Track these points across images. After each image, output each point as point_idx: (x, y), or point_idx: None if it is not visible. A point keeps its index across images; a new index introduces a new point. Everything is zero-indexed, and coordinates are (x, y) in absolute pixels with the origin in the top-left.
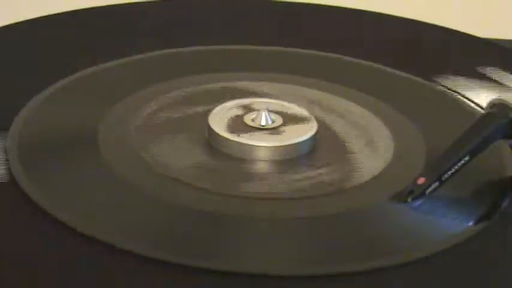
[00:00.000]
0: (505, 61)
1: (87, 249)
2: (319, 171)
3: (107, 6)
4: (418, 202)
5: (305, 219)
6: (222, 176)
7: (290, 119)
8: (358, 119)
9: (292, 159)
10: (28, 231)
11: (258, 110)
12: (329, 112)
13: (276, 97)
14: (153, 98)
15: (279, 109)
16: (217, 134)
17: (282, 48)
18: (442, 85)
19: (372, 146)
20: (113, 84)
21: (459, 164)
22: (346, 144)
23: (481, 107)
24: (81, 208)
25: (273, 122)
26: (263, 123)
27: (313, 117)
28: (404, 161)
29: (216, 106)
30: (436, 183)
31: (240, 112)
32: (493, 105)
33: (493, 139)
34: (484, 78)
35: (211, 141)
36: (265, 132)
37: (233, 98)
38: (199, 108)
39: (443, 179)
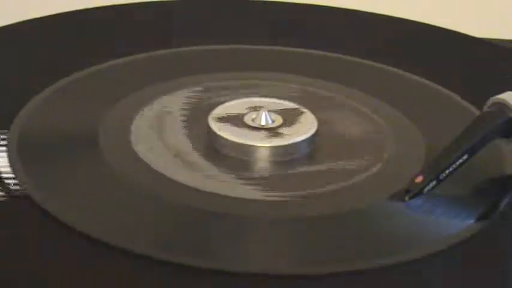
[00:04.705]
0: (504, 61)
1: (87, 249)
2: (319, 171)
3: (107, 6)
4: (417, 201)
5: (305, 219)
6: (222, 176)
7: (290, 119)
8: (358, 118)
9: (292, 159)
10: (28, 231)
11: (258, 110)
12: (329, 112)
13: (276, 97)
14: (153, 98)
15: (279, 109)
16: (217, 134)
17: (282, 48)
18: (441, 85)
19: (372, 146)
20: (113, 84)
21: (457, 162)
22: (345, 144)
23: (480, 107)
24: (81, 208)
25: (273, 122)
26: (263, 123)
27: (313, 117)
28: (404, 161)
29: (216, 106)
30: (434, 182)
31: (240, 112)
32: (491, 104)
33: (491, 138)
34: (483, 78)
35: (211, 141)
36: (265, 132)
37: (233, 98)
38: (200, 108)
39: (441, 177)
